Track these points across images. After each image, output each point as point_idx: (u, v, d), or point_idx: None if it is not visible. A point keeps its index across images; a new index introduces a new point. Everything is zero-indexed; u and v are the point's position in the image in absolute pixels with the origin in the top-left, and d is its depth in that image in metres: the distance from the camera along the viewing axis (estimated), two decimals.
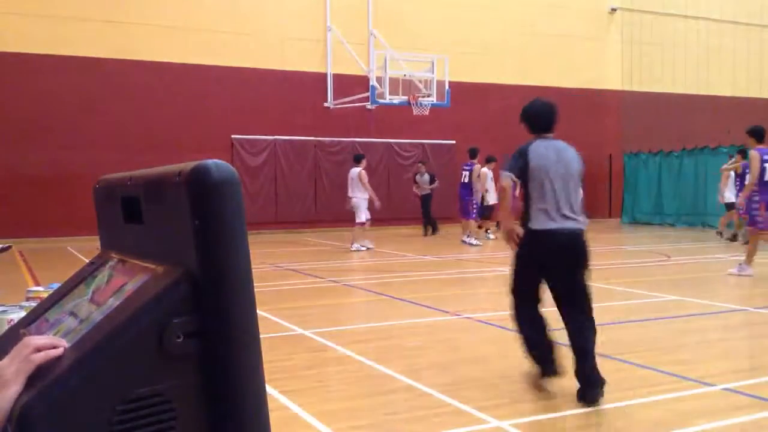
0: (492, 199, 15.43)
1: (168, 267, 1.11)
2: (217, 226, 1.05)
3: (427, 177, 17.40)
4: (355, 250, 13.74)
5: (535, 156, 4.58)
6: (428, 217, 17.47)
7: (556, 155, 4.63)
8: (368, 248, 13.97)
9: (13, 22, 15.95)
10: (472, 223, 15.43)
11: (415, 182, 17.79)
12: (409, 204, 18.52)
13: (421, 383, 4.74)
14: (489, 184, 15.59)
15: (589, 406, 4.22)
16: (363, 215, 13.90)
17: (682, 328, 6.62)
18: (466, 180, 15.18)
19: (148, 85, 17.08)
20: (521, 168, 4.57)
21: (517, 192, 4.78)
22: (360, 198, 13.89)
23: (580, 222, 4.56)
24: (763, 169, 9.59)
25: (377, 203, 14.03)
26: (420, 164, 18.04)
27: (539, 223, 4.48)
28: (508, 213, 4.77)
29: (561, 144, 4.76)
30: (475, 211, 15.35)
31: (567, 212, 4.49)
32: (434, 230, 17.53)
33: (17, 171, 15.87)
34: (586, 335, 4.45)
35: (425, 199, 17.45)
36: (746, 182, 10.25)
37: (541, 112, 4.89)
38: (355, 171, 13.98)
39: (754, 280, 9.68)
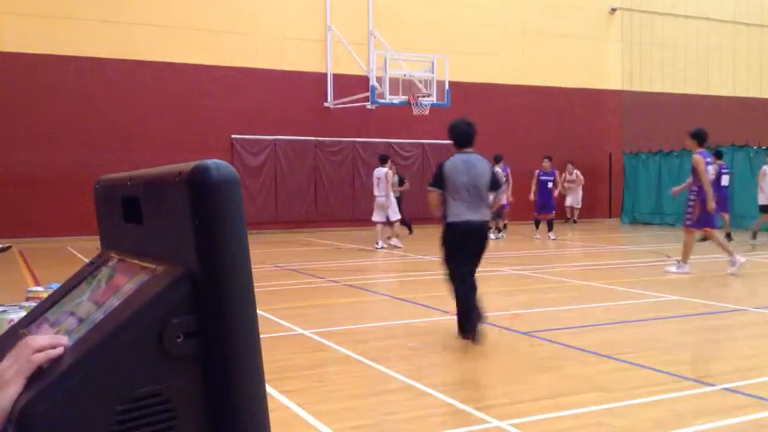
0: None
1: (168, 267, 1.11)
2: (217, 226, 1.05)
3: (396, 178, 16.01)
4: (395, 245, 14.35)
5: (448, 170, 6.06)
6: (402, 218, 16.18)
7: (466, 167, 6.04)
8: (382, 247, 14.26)
9: (13, 22, 15.94)
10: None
11: None
12: (410, 204, 18.48)
13: (421, 383, 4.74)
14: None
15: (482, 323, 5.87)
16: (395, 213, 14.53)
17: (682, 328, 6.62)
18: None
19: (148, 85, 17.08)
20: (441, 181, 6.07)
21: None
22: (387, 197, 14.43)
23: (483, 216, 6.09)
24: (708, 172, 9.99)
25: (387, 204, 14.52)
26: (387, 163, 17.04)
27: (453, 217, 6.01)
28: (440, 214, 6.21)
29: (475, 157, 6.14)
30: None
31: (473, 209, 6.01)
32: (410, 231, 16.65)
33: (17, 171, 15.87)
34: (475, 288, 6.08)
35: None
36: (689, 184, 10.38)
37: (461, 131, 6.21)
38: (382, 171, 14.41)
39: (755, 281, 9.69)
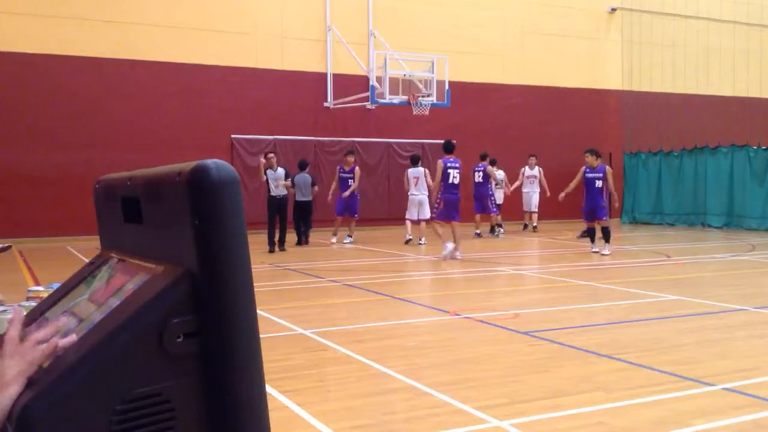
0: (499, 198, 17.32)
1: (168, 267, 1.11)
2: (217, 225, 1.05)
3: (281, 172, 13.89)
4: (423, 244, 14.96)
5: (296, 179, 14.34)
6: (280, 225, 13.97)
7: (302, 178, 14.52)
8: (413, 242, 15.11)
9: (13, 22, 15.94)
10: (497, 217, 17.02)
11: (264, 174, 14.06)
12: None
13: (421, 383, 4.74)
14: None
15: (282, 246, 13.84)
16: (427, 212, 15.23)
17: (682, 328, 6.61)
18: (480, 179, 16.52)
19: (148, 85, 17.07)
20: (293, 184, 14.21)
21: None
22: (425, 195, 15.07)
23: (307, 198, 14.66)
24: (447, 174, 12.31)
25: (432, 201, 15.23)
26: (271, 155, 14.23)
27: (297, 198, 14.60)
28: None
29: (306, 174, 14.61)
30: (494, 207, 16.85)
31: (303, 195, 14.61)
32: (281, 244, 14.10)
33: (17, 171, 15.86)
34: (285, 233, 14.03)
35: (278, 203, 13.98)
36: (431, 184, 13.50)
37: (302, 164, 14.88)
38: (420, 170, 15.28)
39: (755, 281, 9.69)
